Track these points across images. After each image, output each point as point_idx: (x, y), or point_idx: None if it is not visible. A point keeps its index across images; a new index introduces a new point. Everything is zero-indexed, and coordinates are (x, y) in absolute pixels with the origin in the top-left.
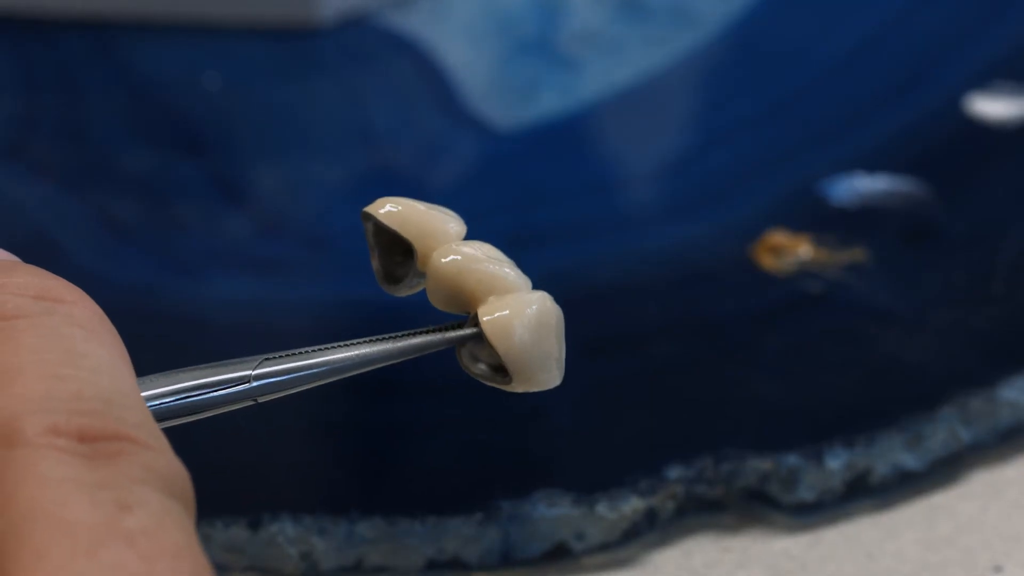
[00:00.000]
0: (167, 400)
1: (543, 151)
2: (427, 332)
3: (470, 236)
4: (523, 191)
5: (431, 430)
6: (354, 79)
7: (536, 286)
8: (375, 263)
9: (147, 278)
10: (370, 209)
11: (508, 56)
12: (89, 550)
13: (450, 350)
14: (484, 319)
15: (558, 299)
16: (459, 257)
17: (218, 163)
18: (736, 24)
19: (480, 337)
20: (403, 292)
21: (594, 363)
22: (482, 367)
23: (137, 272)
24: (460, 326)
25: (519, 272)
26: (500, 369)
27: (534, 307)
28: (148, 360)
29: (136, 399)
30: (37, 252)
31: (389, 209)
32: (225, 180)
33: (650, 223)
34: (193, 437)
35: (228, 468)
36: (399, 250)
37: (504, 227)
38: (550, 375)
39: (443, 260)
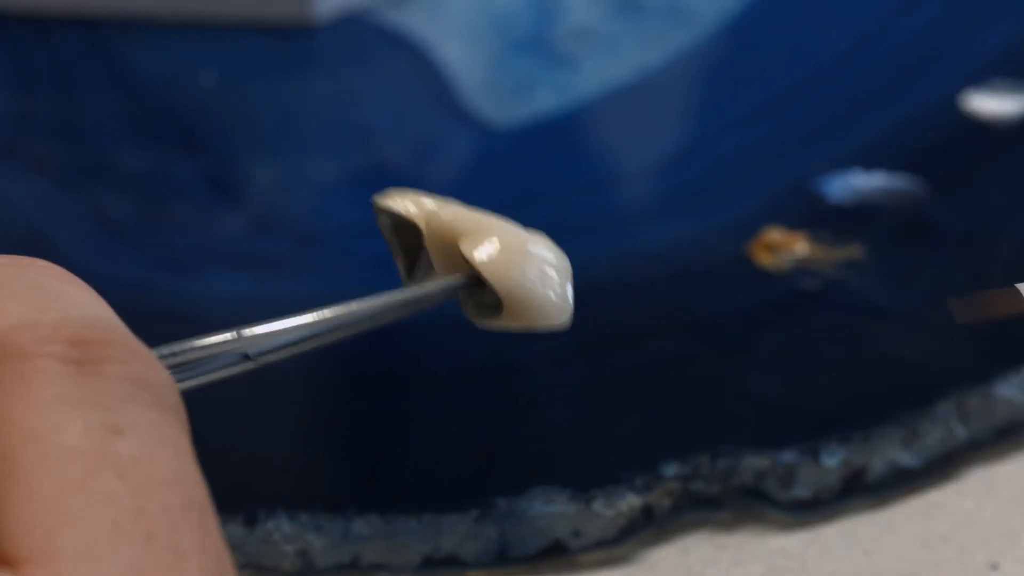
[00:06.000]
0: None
1: (539, 148)
2: (422, 285)
3: None
4: (518, 189)
5: (427, 426)
6: (349, 76)
7: None
8: (398, 261)
9: (142, 275)
10: (376, 198)
11: (504, 53)
12: (80, 483)
13: (454, 327)
14: (473, 251)
15: None
16: (458, 208)
17: (214, 160)
18: (731, 21)
19: (479, 283)
20: (419, 280)
21: (590, 360)
22: (485, 311)
23: (132, 269)
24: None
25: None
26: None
27: (521, 237)
28: None
29: (122, 324)
30: (32, 250)
31: (392, 195)
32: (221, 177)
33: (646, 220)
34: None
35: (223, 465)
36: (416, 244)
37: None
38: (551, 306)
39: (442, 215)
